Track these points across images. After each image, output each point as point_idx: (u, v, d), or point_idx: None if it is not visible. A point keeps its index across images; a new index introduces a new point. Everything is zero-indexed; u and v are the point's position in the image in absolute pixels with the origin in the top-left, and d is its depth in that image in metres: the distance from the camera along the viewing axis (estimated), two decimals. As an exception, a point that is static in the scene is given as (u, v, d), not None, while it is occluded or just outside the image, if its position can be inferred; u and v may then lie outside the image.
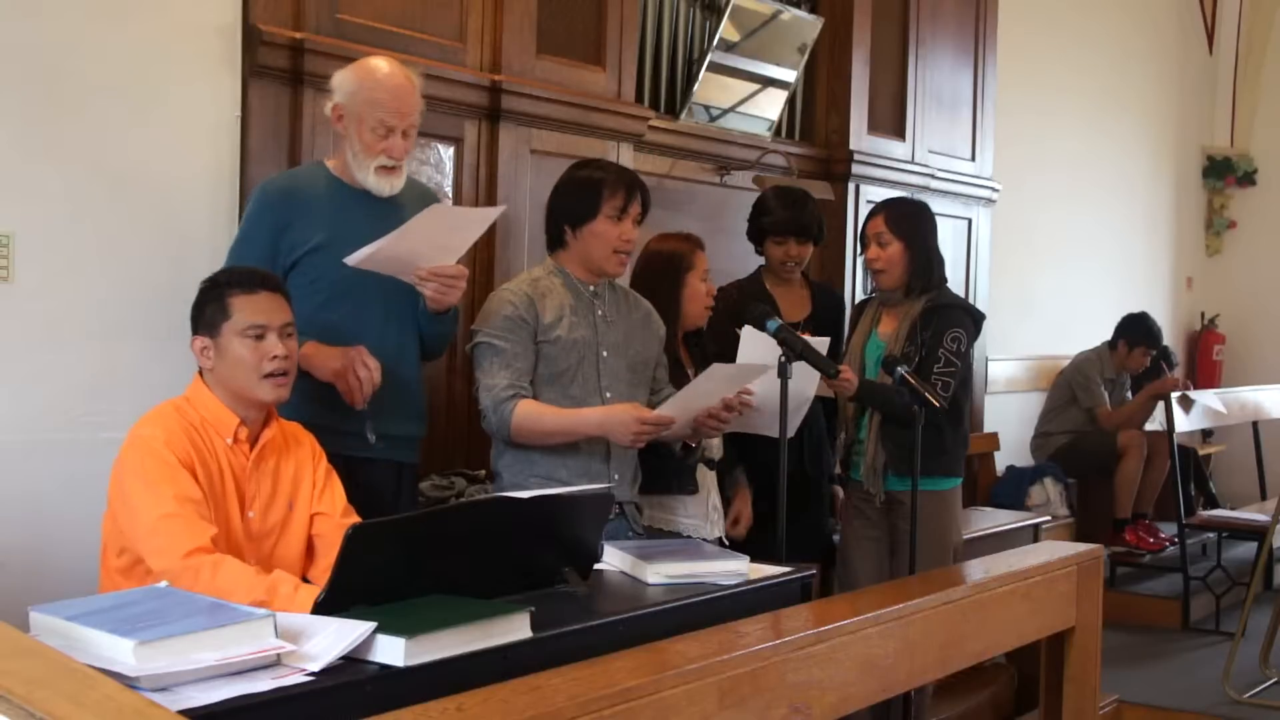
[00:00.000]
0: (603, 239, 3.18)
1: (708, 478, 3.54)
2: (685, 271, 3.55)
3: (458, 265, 2.99)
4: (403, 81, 3.02)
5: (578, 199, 3.19)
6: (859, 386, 3.70)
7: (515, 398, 3.06)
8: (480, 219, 3.15)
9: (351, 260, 2.84)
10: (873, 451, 3.87)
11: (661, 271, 3.53)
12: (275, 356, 2.57)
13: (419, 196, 3.15)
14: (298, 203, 2.99)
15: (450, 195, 3.82)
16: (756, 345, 3.39)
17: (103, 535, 2.56)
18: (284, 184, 3.05)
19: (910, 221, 3.93)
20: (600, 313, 3.23)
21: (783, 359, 3.21)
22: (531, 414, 3.07)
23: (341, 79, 3.03)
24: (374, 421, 2.94)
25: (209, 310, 2.59)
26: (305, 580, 2.61)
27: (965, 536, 4.29)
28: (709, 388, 3.07)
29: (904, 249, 3.88)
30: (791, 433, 3.29)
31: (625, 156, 4.27)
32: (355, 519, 2.70)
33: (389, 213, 2.99)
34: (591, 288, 3.24)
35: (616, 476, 3.19)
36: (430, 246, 2.92)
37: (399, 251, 2.88)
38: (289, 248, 2.96)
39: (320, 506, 2.68)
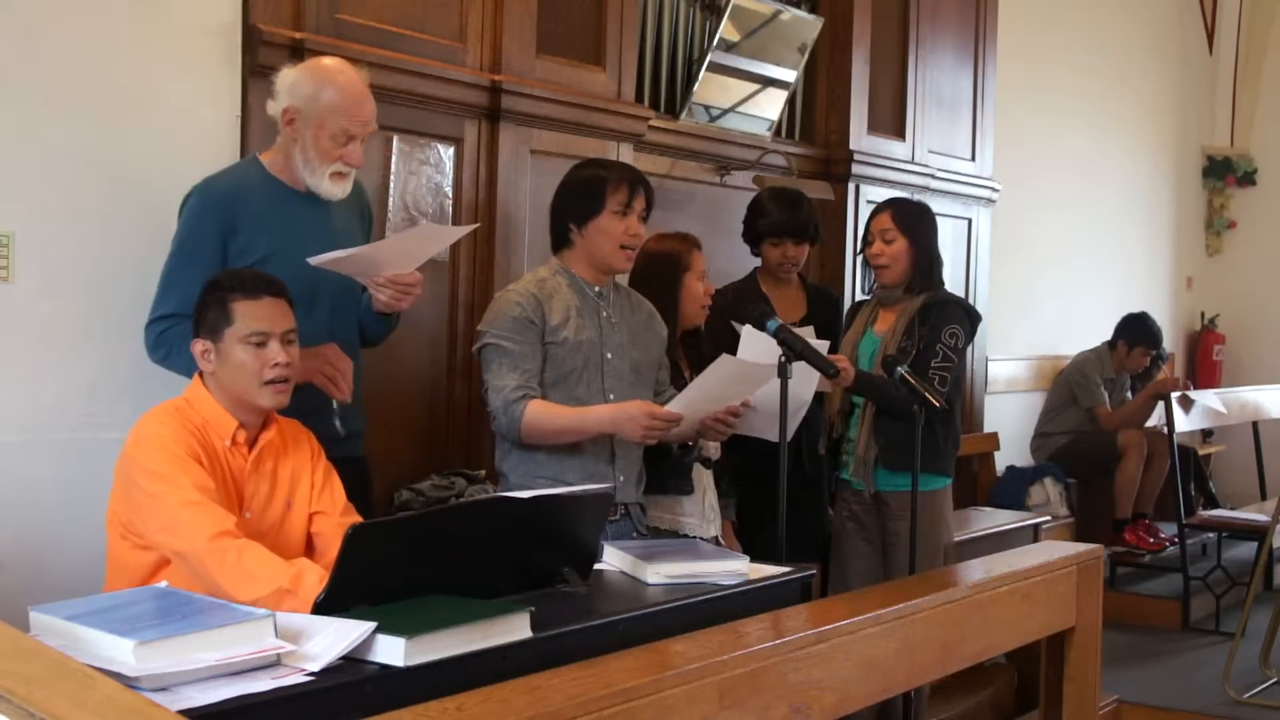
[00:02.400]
0: (609, 234, 3.17)
1: (704, 477, 3.54)
2: (682, 271, 3.54)
3: (414, 273, 2.97)
4: (362, 89, 2.98)
5: (582, 196, 3.19)
6: (855, 378, 3.71)
7: (525, 398, 3.06)
8: (451, 235, 3.19)
9: (315, 261, 2.81)
10: (864, 445, 3.88)
11: (658, 272, 3.53)
12: (276, 364, 2.57)
13: (357, 200, 3.16)
14: (241, 206, 2.94)
15: (450, 195, 3.82)
16: (756, 345, 3.39)
17: (108, 539, 2.55)
18: (226, 187, 2.98)
19: (916, 220, 3.97)
20: (605, 314, 3.23)
21: (783, 359, 3.20)
22: (542, 413, 3.06)
23: (295, 81, 2.96)
24: (339, 411, 2.95)
25: (211, 314, 2.59)
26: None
27: (965, 536, 4.30)
28: (717, 382, 3.07)
29: (909, 246, 3.91)
30: (789, 435, 3.29)
31: (625, 156, 4.27)
32: (355, 517, 2.70)
33: (327, 214, 3.00)
34: (597, 289, 3.24)
35: (621, 478, 3.19)
36: (396, 255, 2.92)
37: (365, 259, 2.87)
38: (238, 254, 2.91)
39: (319, 505, 2.68)
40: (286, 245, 2.90)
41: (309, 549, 2.68)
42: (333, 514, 2.68)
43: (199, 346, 2.60)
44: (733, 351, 3.44)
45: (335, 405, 2.92)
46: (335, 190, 2.99)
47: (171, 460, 2.46)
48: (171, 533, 2.41)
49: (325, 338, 2.96)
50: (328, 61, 3.04)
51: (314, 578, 2.30)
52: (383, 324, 3.13)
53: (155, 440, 2.49)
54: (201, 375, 2.63)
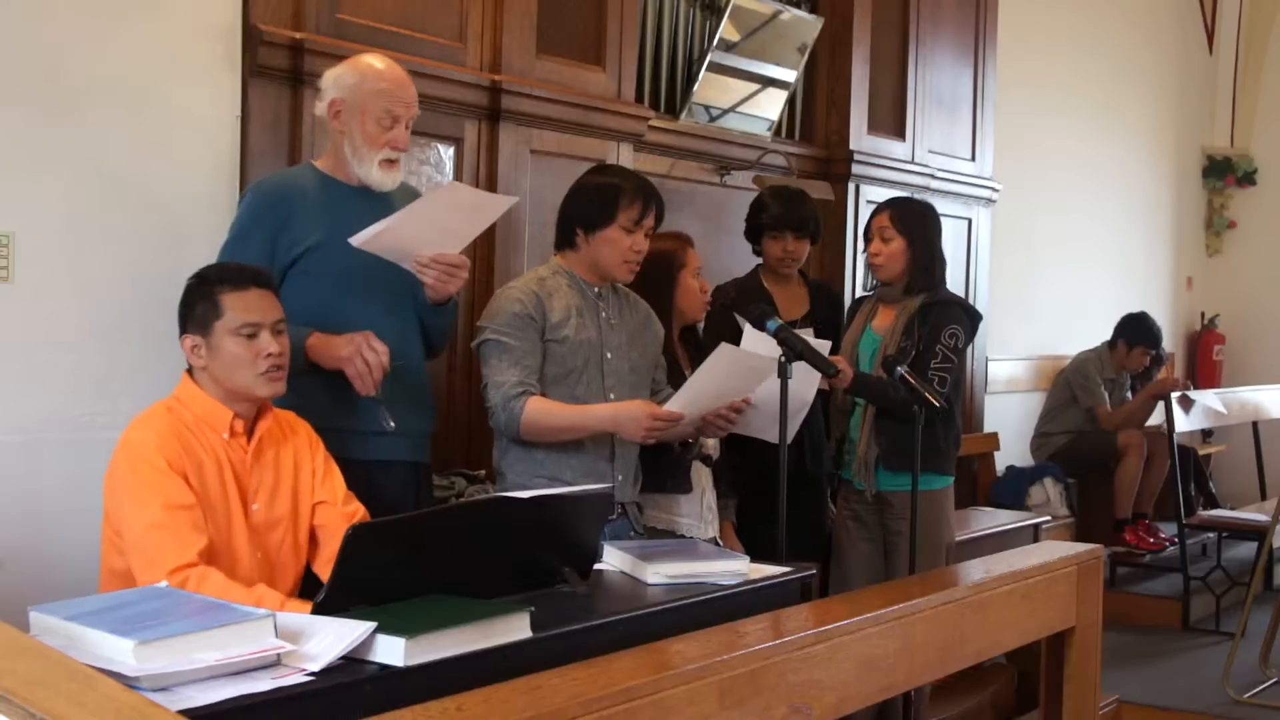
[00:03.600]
0: (615, 247, 3.18)
1: (702, 476, 3.54)
2: (678, 270, 3.55)
3: (460, 254, 2.99)
4: (402, 73, 3.05)
5: (595, 204, 3.19)
6: (853, 379, 3.71)
7: (525, 395, 3.06)
8: (492, 206, 3.15)
9: (356, 240, 2.83)
10: (864, 446, 3.87)
11: (654, 271, 3.53)
12: (269, 354, 2.57)
13: (409, 195, 3.15)
14: (293, 201, 2.98)
15: (450, 195, 3.82)
16: (757, 344, 3.39)
17: (102, 542, 2.56)
18: (278, 182, 3.04)
19: (915, 220, 3.95)
20: (604, 314, 3.23)
21: (783, 359, 3.20)
22: (541, 411, 3.06)
23: (339, 74, 3.02)
24: (387, 408, 2.92)
25: (199, 309, 2.57)
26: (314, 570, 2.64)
27: (965, 536, 4.30)
28: (717, 374, 3.06)
29: (906, 246, 3.90)
30: (790, 436, 3.28)
31: (625, 156, 4.27)
32: (356, 505, 2.71)
33: (382, 208, 3.00)
34: (596, 289, 3.24)
35: (620, 477, 3.19)
36: (436, 231, 2.91)
37: (405, 233, 2.86)
38: (287, 246, 2.94)
39: (321, 495, 2.68)
40: (337, 235, 2.91)
41: (311, 542, 2.68)
42: (334, 504, 2.68)
43: (188, 342, 2.59)
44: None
45: (382, 402, 2.91)
46: (386, 180, 3.01)
47: (149, 471, 2.44)
48: (137, 554, 2.41)
49: (380, 332, 2.95)
50: (365, 55, 3.10)
51: (273, 602, 2.32)
52: (439, 315, 3.12)
53: (136, 448, 2.47)
54: (190, 372, 2.62)
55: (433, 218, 2.88)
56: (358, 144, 2.99)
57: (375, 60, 3.05)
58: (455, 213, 2.94)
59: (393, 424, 2.93)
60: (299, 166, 3.17)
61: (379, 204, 3.02)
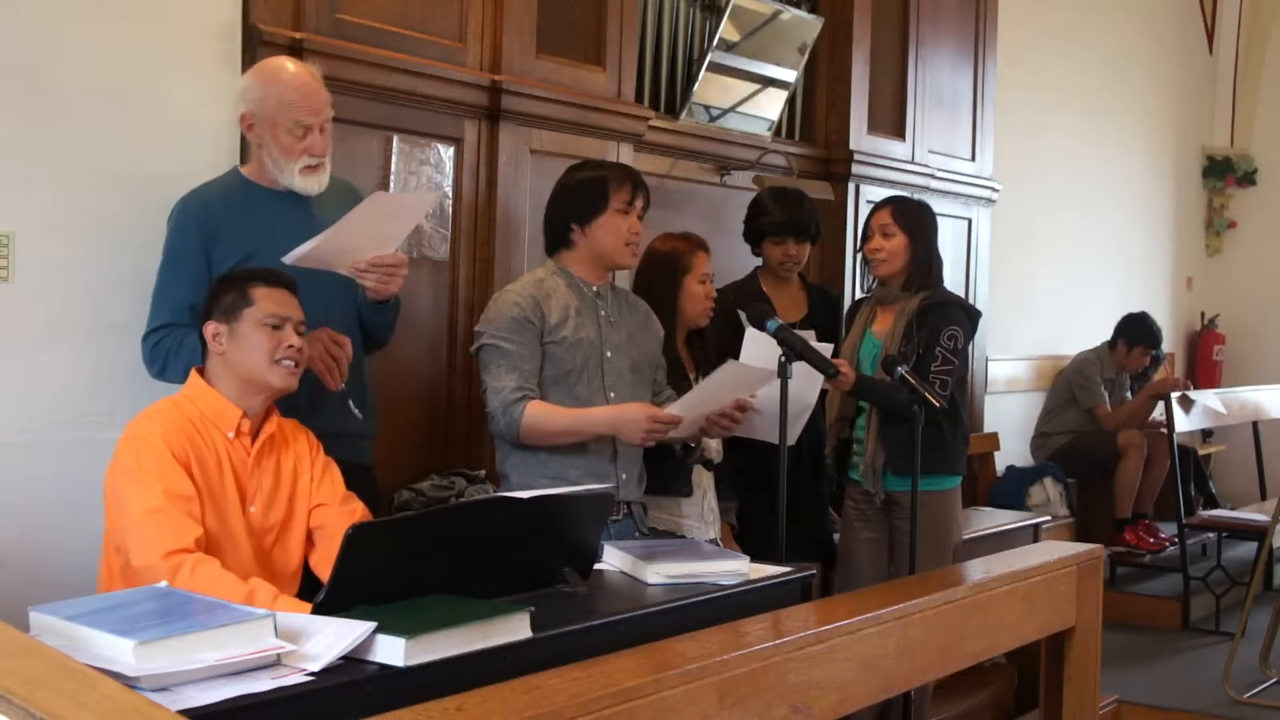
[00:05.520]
0: (614, 231, 3.20)
1: (704, 478, 3.54)
2: (682, 273, 3.55)
3: (397, 254, 2.97)
4: (309, 80, 2.99)
5: (585, 196, 3.21)
6: (856, 382, 3.71)
7: (524, 399, 3.07)
8: (417, 206, 3.16)
9: (289, 258, 2.81)
10: (872, 450, 3.87)
11: (658, 272, 3.53)
12: (290, 345, 2.61)
13: (340, 191, 3.13)
14: (219, 214, 2.95)
15: (450, 195, 3.82)
16: (758, 345, 3.39)
17: (104, 544, 2.56)
18: (204, 197, 3.01)
19: (916, 217, 3.97)
20: (604, 313, 3.24)
21: (783, 359, 3.21)
22: (541, 415, 3.07)
23: (245, 86, 3.00)
24: (351, 396, 2.95)
25: (229, 298, 2.63)
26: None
27: (965, 536, 4.30)
28: (720, 387, 3.08)
29: (908, 243, 3.91)
30: (793, 440, 3.28)
31: (625, 156, 4.27)
32: (356, 504, 2.71)
33: (312, 211, 2.99)
34: (594, 288, 3.25)
35: (624, 476, 3.19)
36: (368, 237, 2.90)
37: (337, 246, 2.86)
38: (220, 259, 2.91)
39: (319, 497, 2.69)
40: (269, 243, 2.89)
41: (309, 544, 2.68)
42: (333, 503, 2.69)
43: (211, 329, 2.62)
44: (735, 353, 3.45)
45: (348, 394, 2.92)
46: (310, 185, 2.99)
47: (153, 459, 2.45)
48: (133, 538, 2.41)
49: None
50: (272, 61, 3.06)
51: (266, 595, 2.32)
52: (381, 314, 3.11)
53: (140, 438, 2.49)
54: (202, 370, 2.64)
55: (361, 228, 2.87)
56: (275, 155, 2.97)
57: (282, 67, 3.00)
58: (383, 219, 2.93)
59: (359, 413, 2.97)
60: (225, 174, 3.13)
61: (308, 206, 3.01)
